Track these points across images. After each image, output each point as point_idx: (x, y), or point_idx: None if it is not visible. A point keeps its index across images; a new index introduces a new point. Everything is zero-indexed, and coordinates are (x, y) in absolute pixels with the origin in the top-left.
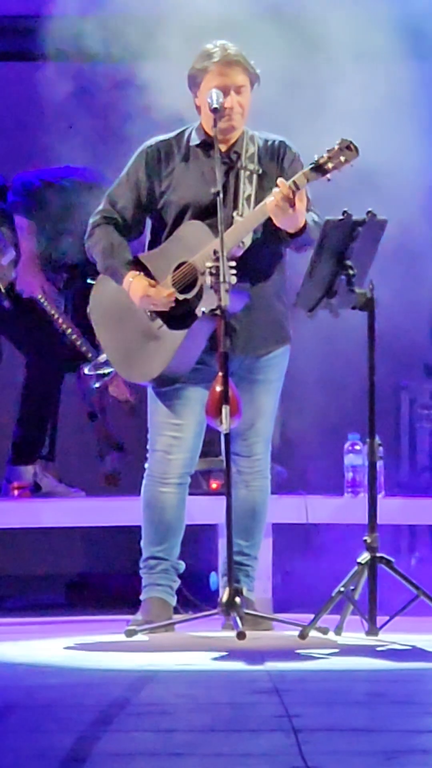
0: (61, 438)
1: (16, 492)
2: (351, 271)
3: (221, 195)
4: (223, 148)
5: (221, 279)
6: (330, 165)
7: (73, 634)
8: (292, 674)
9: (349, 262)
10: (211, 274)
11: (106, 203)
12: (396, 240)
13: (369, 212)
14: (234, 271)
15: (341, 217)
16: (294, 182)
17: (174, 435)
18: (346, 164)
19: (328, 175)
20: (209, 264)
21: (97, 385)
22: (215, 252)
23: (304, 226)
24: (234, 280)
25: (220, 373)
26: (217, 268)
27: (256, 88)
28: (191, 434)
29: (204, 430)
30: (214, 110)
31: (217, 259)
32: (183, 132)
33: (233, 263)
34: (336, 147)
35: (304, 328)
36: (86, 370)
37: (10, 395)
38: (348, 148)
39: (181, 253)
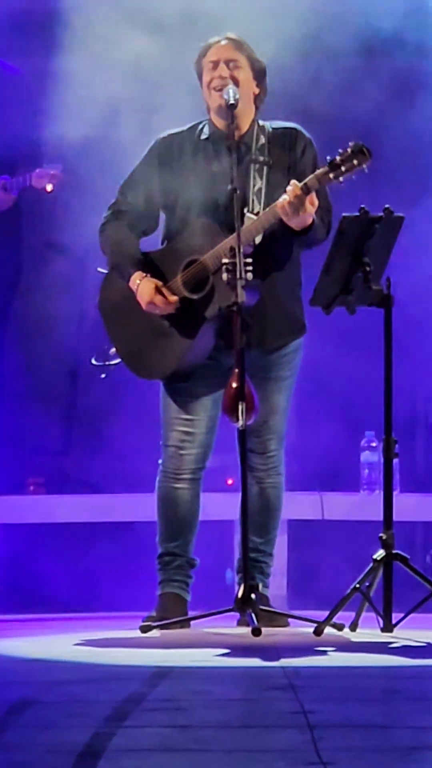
0: (77, 435)
1: (31, 487)
2: (368, 268)
3: (237, 191)
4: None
5: (238, 275)
6: (342, 168)
7: (89, 630)
8: (307, 670)
9: (366, 259)
10: (227, 270)
11: (119, 195)
12: (414, 236)
13: (386, 209)
14: (250, 268)
15: (358, 213)
16: (306, 184)
17: (185, 430)
18: (358, 168)
19: (341, 178)
20: (225, 260)
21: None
22: (231, 248)
23: (311, 225)
24: (250, 276)
25: (236, 370)
26: (234, 264)
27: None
28: (203, 429)
29: (217, 426)
30: (231, 106)
31: (233, 256)
32: (196, 126)
33: (249, 260)
34: (349, 150)
35: (320, 325)
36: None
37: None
38: (361, 152)
39: (191, 251)
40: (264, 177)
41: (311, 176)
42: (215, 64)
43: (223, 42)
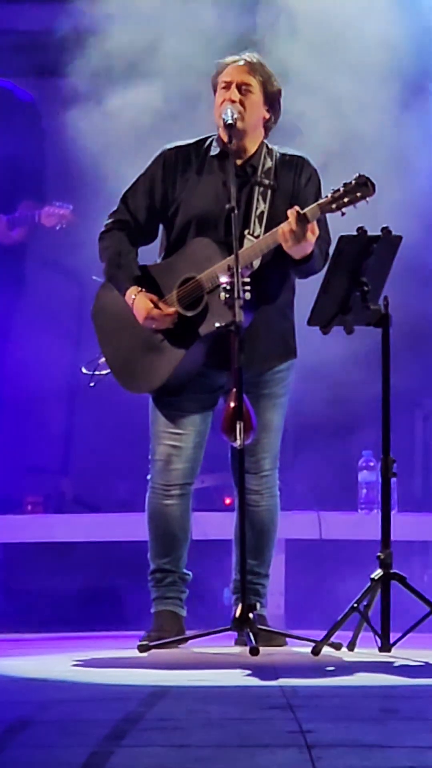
0: (77, 453)
1: (29, 506)
2: (365, 288)
3: (236, 211)
4: (239, 161)
5: (235, 295)
6: (345, 200)
7: (87, 650)
8: (305, 690)
9: (363, 279)
10: (224, 290)
11: (121, 204)
12: (413, 256)
13: (384, 228)
14: (248, 288)
15: (356, 233)
16: (307, 213)
17: (173, 444)
18: (361, 200)
19: (343, 209)
20: (224, 279)
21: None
22: (230, 267)
23: (310, 255)
24: (248, 296)
25: (234, 389)
26: (232, 284)
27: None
28: (191, 444)
29: (204, 442)
30: (229, 126)
31: (231, 275)
32: (204, 140)
33: (247, 279)
34: (353, 182)
35: (319, 344)
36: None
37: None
38: (365, 184)
39: (188, 268)
40: (267, 200)
41: (313, 205)
42: (228, 86)
43: (240, 63)
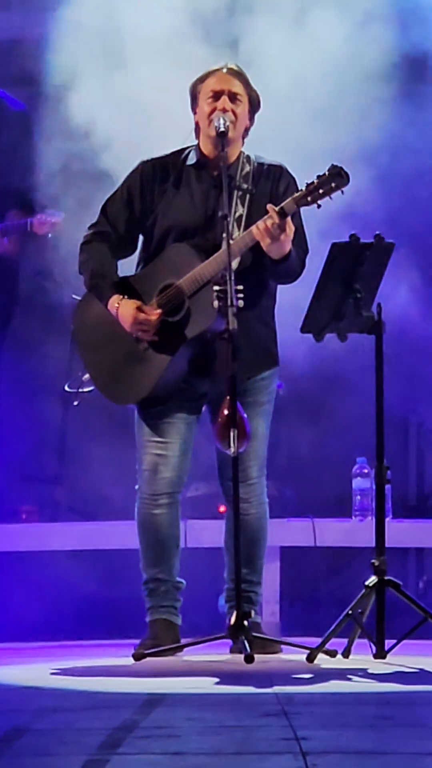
0: (70, 462)
1: (24, 515)
2: (359, 295)
3: (228, 218)
4: (216, 172)
5: (229, 303)
6: (320, 191)
7: (82, 658)
8: (300, 697)
9: (356, 286)
10: (218, 297)
11: (101, 216)
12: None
13: (377, 235)
14: (241, 295)
15: (348, 240)
16: (283, 207)
17: (159, 453)
18: (336, 190)
19: (319, 201)
20: (216, 288)
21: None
22: (222, 276)
23: (288, 255)
24: (242, 303)
25: (228, 397)
26: (225, 291)
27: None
28: (176, 452)
29: (191, 450)
30: (221, 134)
31: (224, 283)
32: (181, 151)
33: (240, 287)
34: (326, 173)
35: (312, 351)
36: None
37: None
38: (339, 174)
39: (166, 275)
40: (246, 204)
41: (288, 199)
42: (217, 95)
43: (226, 72)
